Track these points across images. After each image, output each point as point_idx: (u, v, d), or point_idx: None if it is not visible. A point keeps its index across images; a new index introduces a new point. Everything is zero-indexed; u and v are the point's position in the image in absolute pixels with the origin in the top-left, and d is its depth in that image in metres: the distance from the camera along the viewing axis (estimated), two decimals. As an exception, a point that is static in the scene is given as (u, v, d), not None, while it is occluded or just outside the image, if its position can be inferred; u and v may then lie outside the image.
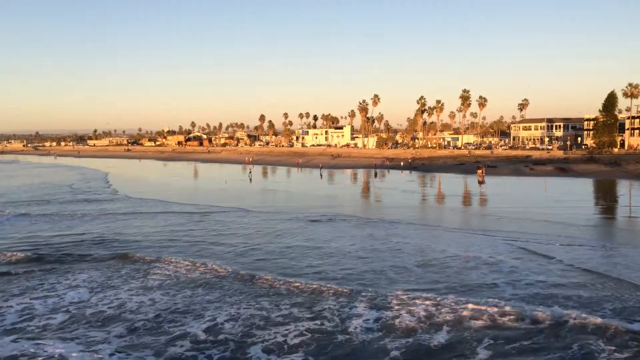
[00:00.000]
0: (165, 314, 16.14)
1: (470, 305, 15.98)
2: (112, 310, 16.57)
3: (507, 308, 15.67)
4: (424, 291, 17.70)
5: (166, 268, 21.58)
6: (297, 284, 18.87)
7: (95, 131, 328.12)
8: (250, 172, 78.31)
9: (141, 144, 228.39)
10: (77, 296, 18.12)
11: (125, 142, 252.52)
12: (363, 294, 17.53)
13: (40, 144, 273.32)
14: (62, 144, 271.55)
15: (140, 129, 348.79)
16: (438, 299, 16.75)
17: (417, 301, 16.61)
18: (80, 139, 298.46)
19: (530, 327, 14.56)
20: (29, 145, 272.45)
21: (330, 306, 16.47)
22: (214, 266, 21.52)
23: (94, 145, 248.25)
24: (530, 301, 16.52)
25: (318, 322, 15.22)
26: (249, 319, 15.62)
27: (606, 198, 47.53)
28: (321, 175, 74.81)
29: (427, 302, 16.48)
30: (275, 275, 20.06)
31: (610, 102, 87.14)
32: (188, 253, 24.33)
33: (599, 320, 14.65)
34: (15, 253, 24.54)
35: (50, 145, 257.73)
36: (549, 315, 15.10)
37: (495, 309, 15.66)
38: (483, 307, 15.86)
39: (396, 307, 16.12)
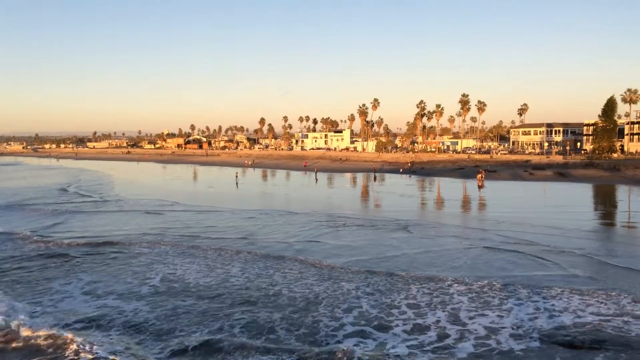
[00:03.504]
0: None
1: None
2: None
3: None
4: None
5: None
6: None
7: (94, 133, 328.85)
8: (237, 176, 74.94)
9: (141, 147, 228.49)
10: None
11: (125, 144, 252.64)
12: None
13: (39, 146, 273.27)
14: (62, 146, 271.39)
15: (139, 132, 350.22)
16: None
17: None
18: (80, 141, 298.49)
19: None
20: (29, 147, 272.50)
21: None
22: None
23: (94, 147, 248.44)
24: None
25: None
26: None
27: (605, 203, 47.56)
28: (316, 180, 74.65)
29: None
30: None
31: (609, 107, 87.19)
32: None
33: None
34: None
35: (50, 147, 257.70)
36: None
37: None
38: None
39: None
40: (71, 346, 13.68)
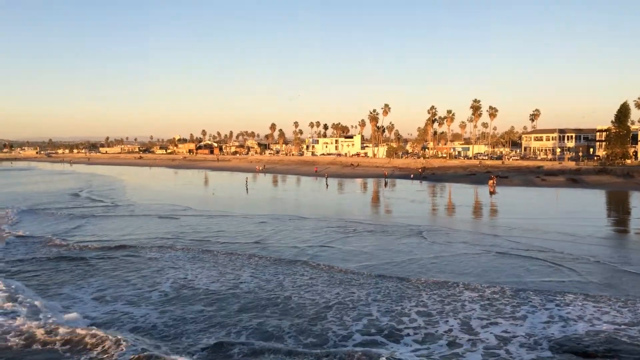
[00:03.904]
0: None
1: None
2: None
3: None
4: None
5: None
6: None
7: (107, 139, 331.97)
8: (247, 181, 75.05)
9: (152, 152, 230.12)
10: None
11: (137, 149, 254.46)
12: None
13: (53, 151, 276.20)
14: (75, 151, 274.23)
15: (151, 137, 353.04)
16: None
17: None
18: (93, 146, 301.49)
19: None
20: (42, 152, 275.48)
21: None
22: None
23: (106, 152, 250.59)
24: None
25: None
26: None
27: (618, 210, 46.97)
28: (327, 185, 74.50)
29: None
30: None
31: (622, 113, 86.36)
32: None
33: None
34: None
35: (63, 153, 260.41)
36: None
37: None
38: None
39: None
40: (89, 346, 13.86)
